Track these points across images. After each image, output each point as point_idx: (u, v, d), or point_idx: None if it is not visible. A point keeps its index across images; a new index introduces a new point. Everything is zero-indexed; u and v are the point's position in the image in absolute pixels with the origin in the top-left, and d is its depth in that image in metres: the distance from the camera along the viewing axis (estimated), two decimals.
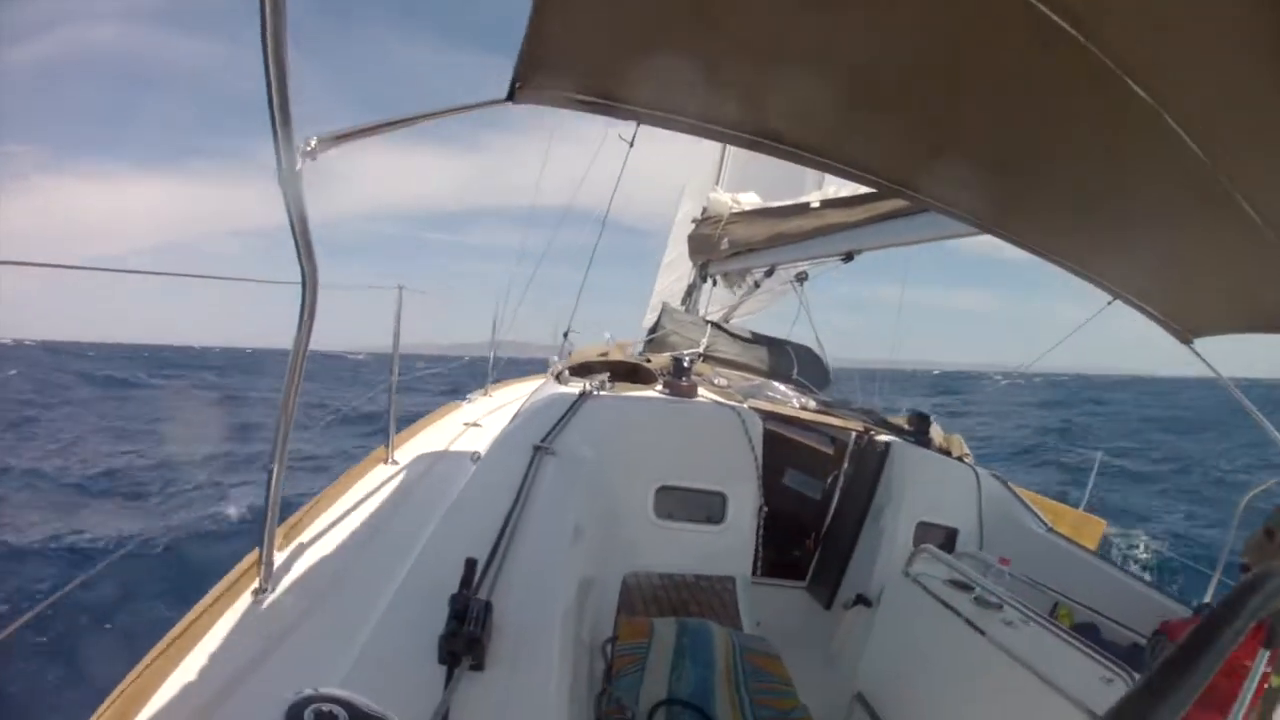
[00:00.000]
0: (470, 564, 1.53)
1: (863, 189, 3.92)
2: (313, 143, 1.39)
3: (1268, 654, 0.87)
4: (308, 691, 0.84)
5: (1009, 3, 1.06)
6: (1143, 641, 2.05)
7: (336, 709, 0.83)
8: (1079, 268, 2.09)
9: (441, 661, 1.38)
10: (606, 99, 1.67)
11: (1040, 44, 1.14)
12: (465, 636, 1.38)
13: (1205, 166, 1.34)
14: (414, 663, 1.39)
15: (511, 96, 1.58)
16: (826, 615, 3.24)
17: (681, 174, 7.31)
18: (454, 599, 1.46)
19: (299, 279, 1.66)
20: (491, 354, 5.63)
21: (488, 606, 1.49)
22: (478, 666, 1.38)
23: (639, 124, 1.83)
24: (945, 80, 1.44)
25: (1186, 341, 2.29)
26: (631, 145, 4.83)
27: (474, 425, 4.18)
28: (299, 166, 1.37)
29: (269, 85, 1.22)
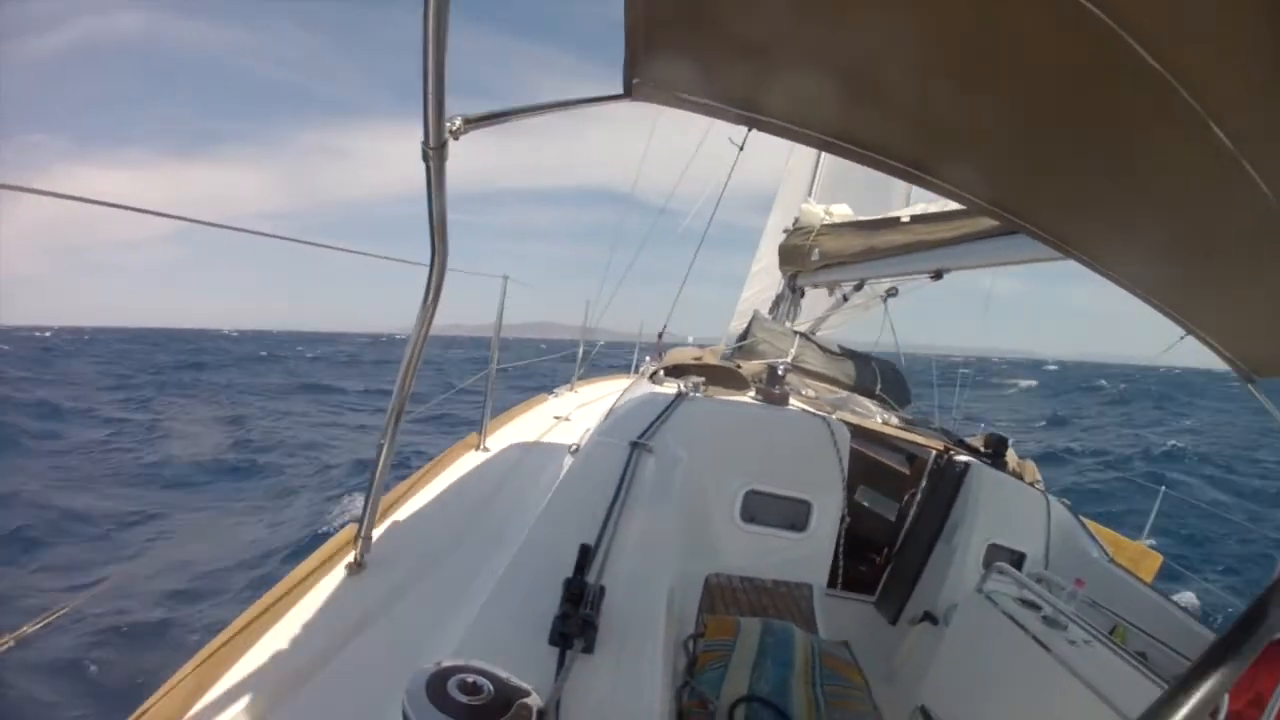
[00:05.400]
0: (585, 549, 1.59)
1: (950, 205, 3.93)
2: (457, 123, 1.43)
3: None
4: (448, 663, 0.80)
5: (1125, 54, 1.03)
6: None
7: (481, 680, 0.79)
8: (1157, 301, 2.07)
9: (552, 642, 1.38)
10: (723, 103, 1.62)
11: (1137, 90, 1.16)
12: (580, 619, 1.41)
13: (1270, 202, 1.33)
14: (524, 641, 1.40)
15: (629, 93, 1.57)
16: (890, 631, 3.25)
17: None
18: (569, 582, 1.50)
19: (428, 260, 1.69)
20: (580, 350, 5.78)
21: (601, 591, 1.53)
22: (588, 650, 1.39)
23: (751, 129, 1.75)
24: (1059, 113, 1.39)
25: (1250, 380, 2.24)
26: (742, 149, 4.84)
27: (564, 419, 4.38)
28: (446, 143, 1.42)
29: (426, 61, 1.26)
